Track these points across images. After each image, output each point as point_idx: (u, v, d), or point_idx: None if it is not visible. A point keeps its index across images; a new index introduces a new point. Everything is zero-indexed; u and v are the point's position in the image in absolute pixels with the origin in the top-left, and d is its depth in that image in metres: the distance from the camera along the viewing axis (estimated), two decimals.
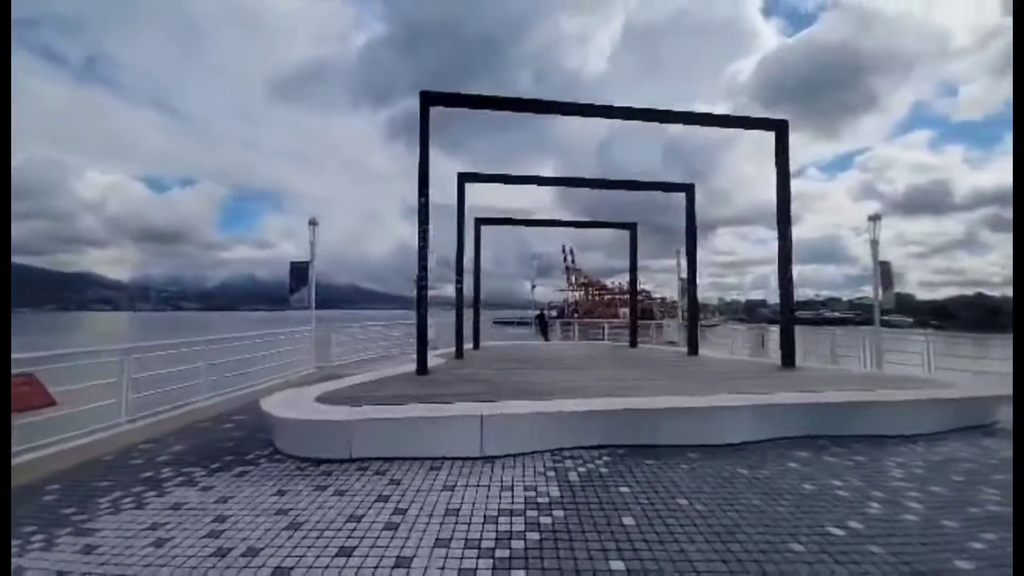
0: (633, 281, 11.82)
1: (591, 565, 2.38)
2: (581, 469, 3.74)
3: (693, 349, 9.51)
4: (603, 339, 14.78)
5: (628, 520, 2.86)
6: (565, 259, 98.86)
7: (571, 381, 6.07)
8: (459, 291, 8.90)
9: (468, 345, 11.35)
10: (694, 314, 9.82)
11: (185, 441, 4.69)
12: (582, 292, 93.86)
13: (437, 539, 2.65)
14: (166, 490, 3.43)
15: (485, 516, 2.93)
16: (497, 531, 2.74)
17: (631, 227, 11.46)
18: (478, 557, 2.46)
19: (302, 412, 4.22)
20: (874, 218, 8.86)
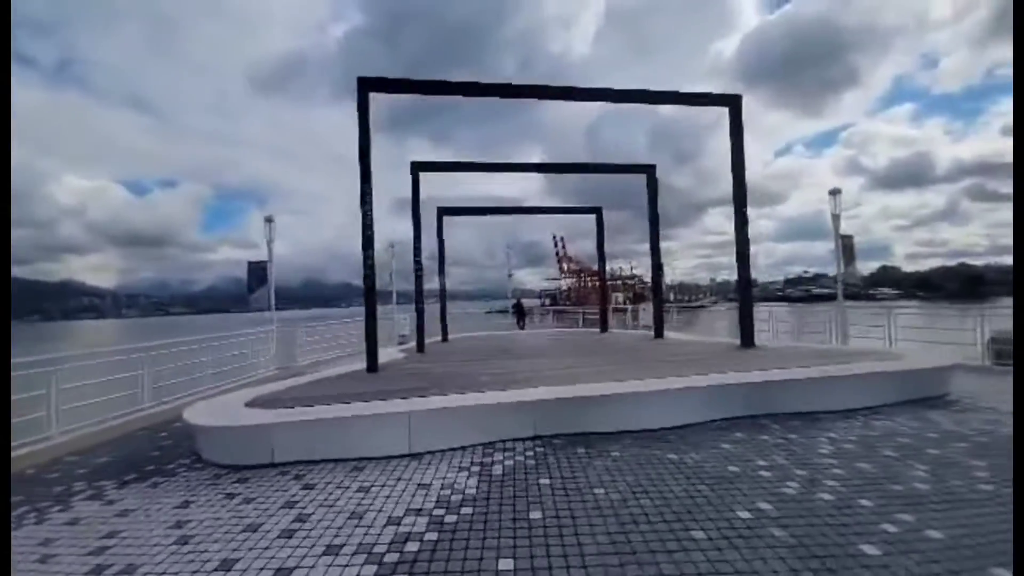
0: (601, 266, 11.71)
1: (479, 566, 2.28)
2: (508, 463, 3.65)
3: (659, 332, 9.47)
4: (579, 326, 14.72)
5: (535, 514, 2.76)
6: (556, 247, 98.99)
7: (521, 372, 5.96)
8: (418, 277, 8.69)
9: (441, 337, 11.23)
10: (659, 298, 9.77)
11: (113, 452, 4.52)
12: (574, 279, 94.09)
13: (329, 546, 2.53)
14: (71, 504, 3.28)
15: (390, 518, 2.81)
16: (396, 533, 2.63)
17: (596, 211, 11.33)
18: (364, 563, 2.35)
19: (223, 419, 4.06)
20: (834, 192, 8.81)
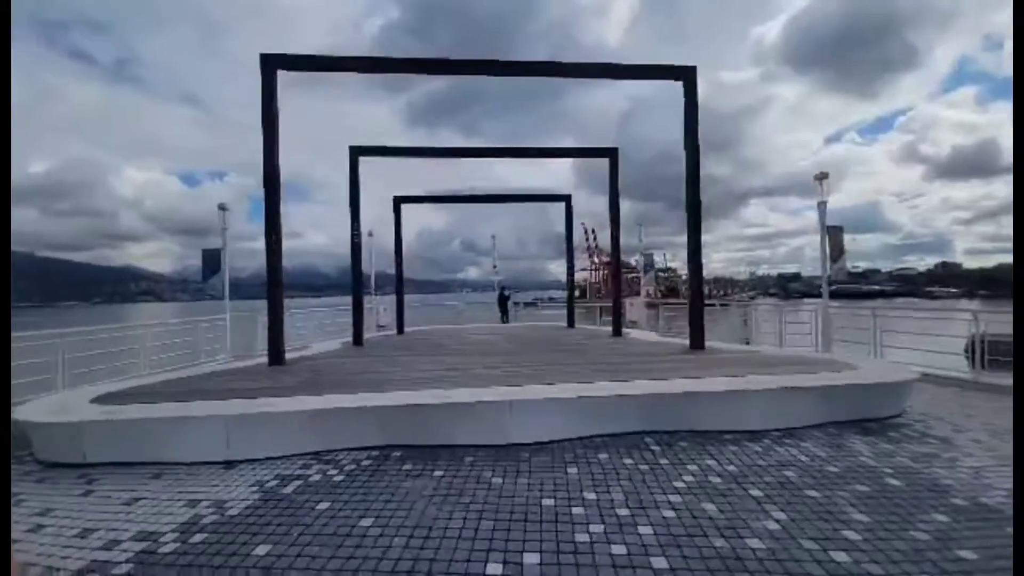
0: (569, 257, 10.99)
1: None
2: (315, 477, 3.22)
3: (616, 330, 8.75)
4: (597, 322, 13.89)
5: (262, 549, 2.32)
6: (587, 239, 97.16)
7: (433, 370, 5.50)
8: (355, 250, 8.15)
9: (396, 330, 10.90)
10: (618, 293, 9.02)
11: None
12: (604, 271, 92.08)
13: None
14: None
15: (110, 541, 2.44)
16: (91, 563, 2.26)
17: (566, 199, 10.61)
18: None
19: (47, 415, 3.83)
20: (820, 177, 7.76)
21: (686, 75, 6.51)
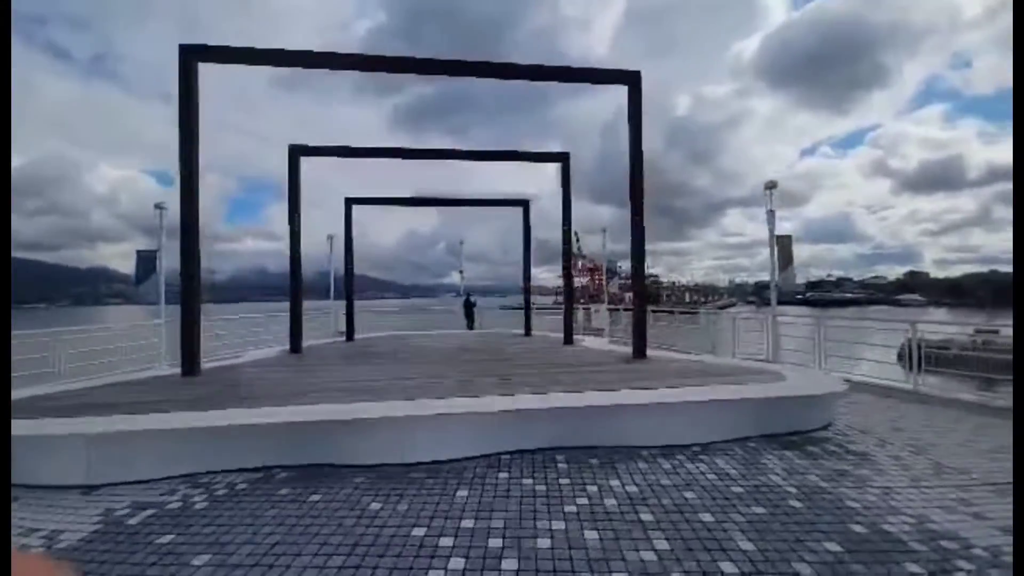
0: (526, 263, 10.79)
1: None
2: (174, 504, 2.89)
3: (568, 339, 8.56)
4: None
5: None
6: (571, 245, 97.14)
7: (352, 383, 5.18)
8: (294, 253, 7.76)
9: (346, 336, 10.52)
10: (569, 301, 8.85)
11: None
12: (587, 278, 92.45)
13: None
14: None
15: None
16: None
17: (524, 204, 10.45)
18: None
19: None
20: (770, 186, 7.74)
21: (631, 80, 6.40)
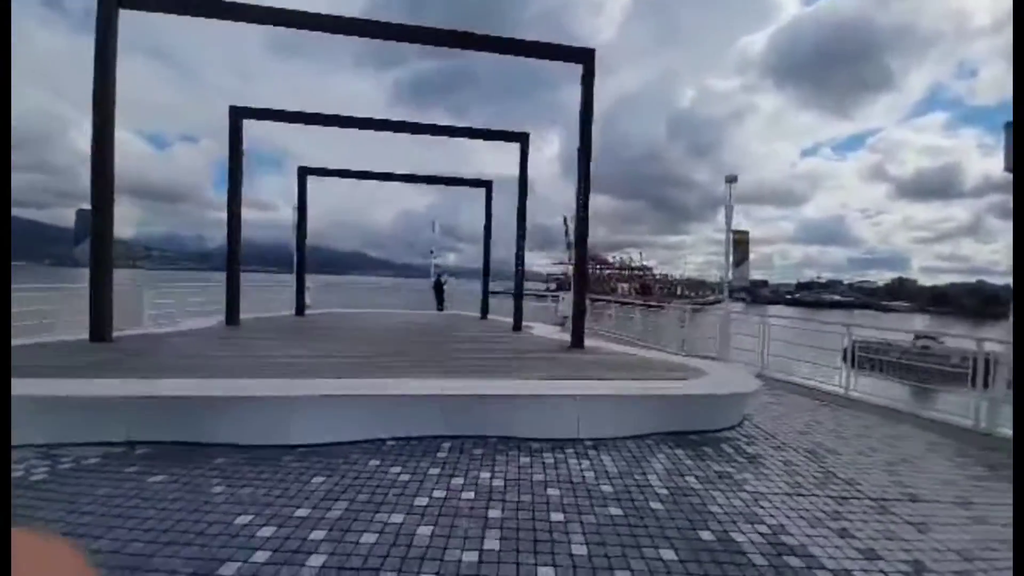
0: (486, 245, 10.57)
1: None
2: (15, 475, 2.71)
3: (517, 325, 8.42)
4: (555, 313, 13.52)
5: None
6: (566, 232, 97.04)
7: (269, 359, 4.99)
8: (232, 220, 7.46)
9: (295, 309, 10.30)
10: (520, 285, 8.69)
11: None
12: (596, 266, 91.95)
13: None
14: None
15: None
16: None
17: (487, 185, 10.18)
18: None
19: None
20: (730, 180, 7.56)
21: (585, 59, 6.12)
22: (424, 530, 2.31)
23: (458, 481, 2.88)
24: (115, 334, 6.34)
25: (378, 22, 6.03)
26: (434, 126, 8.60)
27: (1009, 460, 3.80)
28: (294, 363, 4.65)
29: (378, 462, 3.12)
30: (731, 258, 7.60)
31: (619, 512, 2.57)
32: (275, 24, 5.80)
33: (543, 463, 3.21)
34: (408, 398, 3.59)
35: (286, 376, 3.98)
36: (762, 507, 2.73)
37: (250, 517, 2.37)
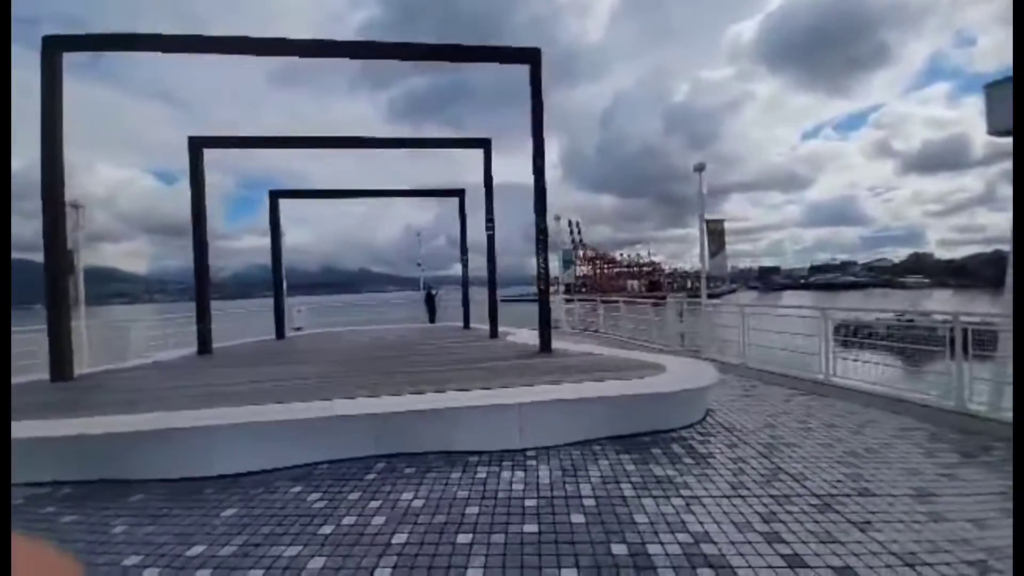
0: (463, 254, 10.46)
1: None
2: None
3: (493, 332, 8.28)
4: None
5: None
6: (572, 234, 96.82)
7: (230, 388, 4.90)
8: (199, 247, 7.41)
9: (275, 334, 10.28)
10: (492, 291, 8.56)
11: None
12: (590, 266, 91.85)
13: None
14: None
15: None
16: None
17: (459, 193, 10.12)
18: None
19: None
20: (699, 168, 7.39)
21: (532, 58, 6.04)
22: (315, 563, 2.18)
23: (374, 505, 2.75)
24: (85, 371, 6.38)
25: (328, 41, 6.07)
26: (402, 140, 8.59)
27: (988, 444, 3.55)
28: (238, 391, 4.55)
29: (299, 488, 3.01)
30: (706, 249, 7.39)
31: (533, 529, 2.42)
32: (216, 52, 5.83)
33: (474, 478, 3.08)
34: (339, 419, 3.48)
35: (225, 404, 3.90)
36: (693, 513, 2.55)
37: (140, 558, 2.27)
